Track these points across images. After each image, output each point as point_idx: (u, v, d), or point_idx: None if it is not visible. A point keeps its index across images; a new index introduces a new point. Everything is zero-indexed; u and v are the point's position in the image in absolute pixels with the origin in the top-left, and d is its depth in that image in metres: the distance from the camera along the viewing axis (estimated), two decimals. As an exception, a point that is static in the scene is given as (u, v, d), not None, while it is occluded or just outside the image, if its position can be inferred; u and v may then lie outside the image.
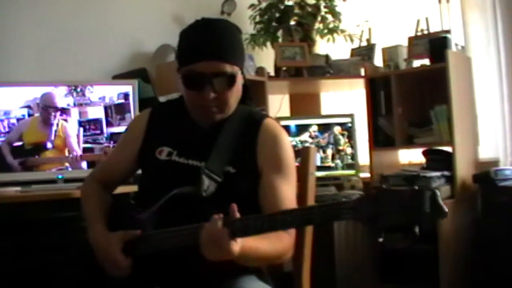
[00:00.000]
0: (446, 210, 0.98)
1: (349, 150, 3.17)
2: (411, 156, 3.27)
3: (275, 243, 1.28)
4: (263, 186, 1.40)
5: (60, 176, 2.26)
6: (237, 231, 1.14)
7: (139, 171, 1.57)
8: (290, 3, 3.45)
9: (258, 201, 1.40)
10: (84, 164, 2.33)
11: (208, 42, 1.35)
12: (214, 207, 1.20)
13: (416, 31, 3.18)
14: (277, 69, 3.30)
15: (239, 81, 1.41)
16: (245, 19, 3.43)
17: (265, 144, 1.43)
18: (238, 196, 1.36)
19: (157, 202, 1.36)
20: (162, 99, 2.37)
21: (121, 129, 2.34)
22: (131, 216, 1.42)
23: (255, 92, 3.10)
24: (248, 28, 3.44)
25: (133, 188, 1.59)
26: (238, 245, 1.15)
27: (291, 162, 1.45)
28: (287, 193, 1.40)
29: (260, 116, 1.49)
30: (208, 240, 1.15)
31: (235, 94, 1.42)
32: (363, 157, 3.22)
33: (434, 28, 3.14)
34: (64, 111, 2.30)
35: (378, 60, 3.31)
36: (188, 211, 1.32)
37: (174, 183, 1.37)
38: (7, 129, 2.21)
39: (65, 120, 2.31)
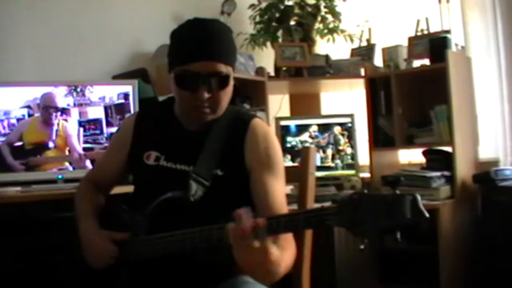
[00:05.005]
0: (427, 215, 0.96)
1: (349, 150, 3.17)
2: (411, 156, 3.27)
3: (289, 250, 1.27)
4: (253, 183, 1.39)
5: (60, 176, 2.26)
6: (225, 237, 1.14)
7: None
8: (290, 3, 3.45)
9: (250, 200, 1.39)
10: (88, 163, 2.32)
11: (203, 42, 1.34)
12: (202, 212, 1.20)
13: (416, 31, 3.18)
14: (277, 69, 3.30)
15: (232, 81, 1.41)
16: (245, 19, 3.43)
17: (253, 143, 1.42)
18: (227, 199, 1.36)
19: (147, 207, 1.37)
20: (162, 99, 2.37)
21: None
22: (122, 221, 1.43)
23: (255, 92, 3.13)
24: (248, 28, 3.44)
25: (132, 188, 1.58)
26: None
27: (279, 160, 1.44)
28: (277, 190, 1.39)
29: (248, 117, 1.48)
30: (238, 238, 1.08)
31: (228, 95, 1.41)
32: (363, 157, 3.21)
33: (434, 28, 3.14)
34: (64, 111, 2.30)
35: (378, 60, 3.31)
36: (176, 217, 1.32)
37: (163, 188, 1.37)
38: (7, 129, 2.21)
39: (65, 120, 2.30)
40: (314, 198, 1.63)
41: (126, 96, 2.39)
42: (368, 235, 1.00)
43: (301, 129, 3.17)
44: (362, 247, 1.01)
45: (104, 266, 1.37)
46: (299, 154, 1.67)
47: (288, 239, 1.26)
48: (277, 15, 3.44)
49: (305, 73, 3.28)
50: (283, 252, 1.19)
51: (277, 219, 1.10)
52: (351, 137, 3.18)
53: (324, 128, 3.18)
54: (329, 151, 3.17)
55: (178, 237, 1.25)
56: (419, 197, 0.98)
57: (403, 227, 0.97)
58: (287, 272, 1.25)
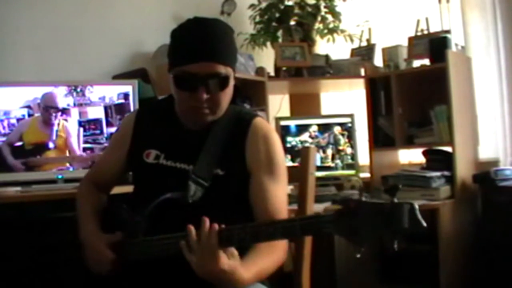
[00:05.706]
0: (425, 224, 0.96)
1: (349, 150, 3.17)
2: (411, 156, 3.27)
3: (270, 255, 1.27)
4: (253, 186, 1.38)
5: (60, 176, 2.26)
6: (222, 240, 1.14)
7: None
8: (290, 3, 3.45)
9: (249, 201, 1.39)
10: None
11: (202, 43, 1.33)
12: (200, 213, 1.19)
13: (416, 31, 3.18)
14: (277, 69, 3.30)
15: (232, 82, 1.40)
16: (245, 19, 3.43)
17: (254, 144, 1.41)
18: (226, 199, 1.35)
19: (146, 207, 1.36)
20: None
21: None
22: (123, 222, 1.42)
23: (255, 92, 3.13)
24: (248, 28, 3.44)
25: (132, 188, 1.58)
26: (230, 261, 1.15)
27: (281, 161, 1.43)
28: (278, 193, 1.38)
29: (249, 116, 1.47)
30: (199, 246, 1.15)
31: (228, 96, 1.40)
32: (363, 157, 3.21)
33: (434, 28, 3.14)
34: (64, 111, 2.30)
35: (378, 60, 3.31)
36: (175, 218, 1.31)
37: (163, 187, 1.36)
38: (7, 129, 2.21)
39: (65, 120, 2.30)
40: (314, 198, 1.63)
41: (126, 96, 2.39)
42: (364, 244, 1.00)
43: (301, 129, 3.17)
44: (358, 256, 1.00)
45: (103, 271, 1.37)
46: (299, 154, 1.66)
47: (271, 246, 1.25)
48: (277, 15, 3.43)
49: (305, 73, 3.28)
50: (258, 260, 1.21)
51: (273, 225, 1.13)
52: (351, 137, 3.18)
53: (324, 128, 3.18)
54: (329, 151, 3.17)
55: (178, 238, 1.25)
56: (417, 206, 0.97)
57: (401, 236, 0.97)
58: (265, 278, 1.28)
